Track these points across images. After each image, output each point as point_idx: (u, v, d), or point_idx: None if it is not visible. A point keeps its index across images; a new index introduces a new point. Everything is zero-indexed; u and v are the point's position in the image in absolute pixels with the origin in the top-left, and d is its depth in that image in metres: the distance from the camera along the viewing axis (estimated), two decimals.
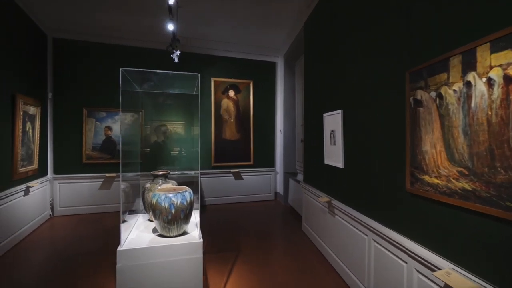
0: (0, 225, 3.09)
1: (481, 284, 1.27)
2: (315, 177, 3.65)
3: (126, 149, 5.01)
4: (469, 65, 1.30)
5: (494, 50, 1.18)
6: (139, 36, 4.95)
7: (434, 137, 1.52)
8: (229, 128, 5.67)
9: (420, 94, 1.62)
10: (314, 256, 3.18)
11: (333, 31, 3.02)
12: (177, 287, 1.68)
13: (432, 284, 1.53)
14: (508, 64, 1.13)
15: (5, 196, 3.19)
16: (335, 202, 2.86)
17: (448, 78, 1.42)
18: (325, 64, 3.25)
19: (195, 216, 2.27)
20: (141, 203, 2.22)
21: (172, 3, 2.88)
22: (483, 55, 1.23)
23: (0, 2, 3.22)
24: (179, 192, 1.81)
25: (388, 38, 2.02)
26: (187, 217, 1.83)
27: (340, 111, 2.73)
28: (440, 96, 1.48)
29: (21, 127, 3.49)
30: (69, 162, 4.73)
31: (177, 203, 1.76)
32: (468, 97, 1.31)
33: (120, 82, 1.67)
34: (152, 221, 2.09)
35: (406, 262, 1.76)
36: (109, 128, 4.91)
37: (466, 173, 1.33)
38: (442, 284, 1.45)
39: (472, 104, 1.29)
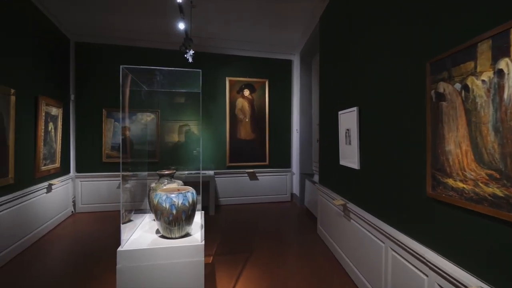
0: (24, 220, 3.24)
1: None
2: (330, 179, 3.48)
3: (141, 148, 5.10)
4: (500, 50, 1.12)
5: None
6: (154, 38, 5.02)
7: (459, 135, 1.34)
8: (244, 127, 5.61)
9: (443, 87, 1.44)
10: (328, 262, 3.02)
11: (349, 23, 2.85)
12: None
13: None
14: None
15: (28, 193, 3.34)
16: (351, 206, 2.68)
17: (475, 67, 1.24)
18: (340, 59, 3.08)
19: (200, 218, 2.21)
20: (147, 202, 2.20)
21: (181, 1, 2.86)
22: None
23: (26, 10, 3.39)
24: (181, 193, 1.75)
25: (406, 27, 1.84)
26: (189, 219, 1.77)
27: (355, 108, 2.55)
28: (466, 88, 1.29)
29: (43, 127, 3.65)
30: (90, 161, 4.90)
31: (178, 204, 1.71)
32: (500, 87, 1.13)
33: (121, 80, 1.64)
34: None
35: (427, 275, 1.57)
36: (127, 128, 5.02)
37: (498, 176, 1.15)
38: None
39: (505, 96, 1.11)
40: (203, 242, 1.70)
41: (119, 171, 5.00)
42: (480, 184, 1.22)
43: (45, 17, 3.91)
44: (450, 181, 1.40)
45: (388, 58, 2.09)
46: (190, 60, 4.35)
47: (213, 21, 4.62)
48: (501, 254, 1.17)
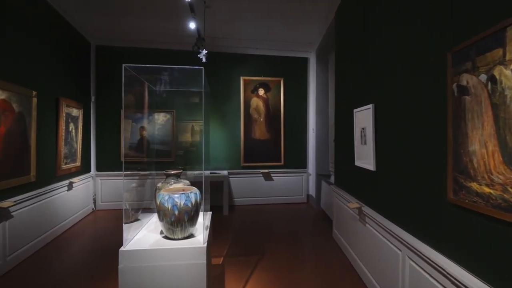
0: (45, 217, 3.39)
1: None
2: (345, 180, 3.32)
3: (158, 148, 5.18)
4: None
5: None
6: (171, 39, 5.07)
7: (484, 134, 1.18)
8: (258, 127, 5.54)
9: (466, 79, 1.28)
10: (343, 267, 2.87)
11: (365, 14, 2.69)
12: None
13: None
14: None
15: (49, 190, 3.49)
16: (366, 209, 2.53)
17: (503, 54, 1.08)
18: (356, 53, 2.92)
19: (207, 219, 2.17)
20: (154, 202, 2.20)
21: (191, 0, 2.84)
22: None
23: (49, 15, 3.55)
24: (183, 193, 1.71)
25: (425, 14, 1.67)
26: (192, 220, 1.73)
27: (371, 105, 2.40)
28: (492, 79, 1.13)
29: (64, 127, 3.81)
30: (109, 160, 5.06)
31: (180, 205, 1.67)
32: None
33: (123, 80, 1.64)
34: None
35: None
36: (143, 128, 5.14)
37: None
38: None
39: None
40: (206, 245, 1.65)
41: (136, 170, 5.13)
42: (510, 190, 1.07)
43: (66, 22, 4.08)
44: (475, 185, 1.24)
45: (405, 50, 1.92)
46: (204, 60, 4.35)
47: (227, 21, 4.59)
48: None
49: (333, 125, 4.86)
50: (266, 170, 5.52)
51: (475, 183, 1.24)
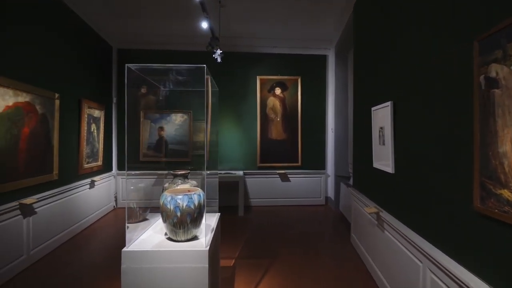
0: (68, 213, 3.55)
1: None
2: (363, 183, 3.13)
3: (176, 148, 5.26)
4: None
5: None
6: (188, 40, 5.11)
7: None
8: (275, 127, 5.44)
9: (495, 70, 1.11)
10: (359, 275, 2.70)
11: (384, 5, 2.50)
12: None
13: None
14: None
15: (72, 188, 3.66)
16: (384, 215, 2.35)
17: None
18: (374, 46, 2.74)
19: (214, 220, 2.12)
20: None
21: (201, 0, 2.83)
22: None
23: (72, 22, 3.73)
24: (186, 194, 1.68)
25: (448, 0, 1.50)
26: (195, 221, 1.68)
27: (389, 103, 2.22)
28: None
29: (86, 128, 3.98)
30: (129, 160, 5.22)
31: (183, 206, 1.63)
32: None
33: (126, 80, 1.63)
34: None
35: None
36: (161, 128, 5.25)
37: None
38: None
39: None
40: (208, 248, 1.59)
41: (154, 170, 5.25)
42: None
43: (89, 28, 4.26)
44: (506, 193, 1.07)
45: (426, 41, 1.75)
46: (219, 60, 4.34)
47: (242, 20, 4.55)
48: None
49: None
50: (283, 171, 5.41)
51: (506, 190, 1.07)
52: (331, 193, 5.42)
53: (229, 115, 5.41)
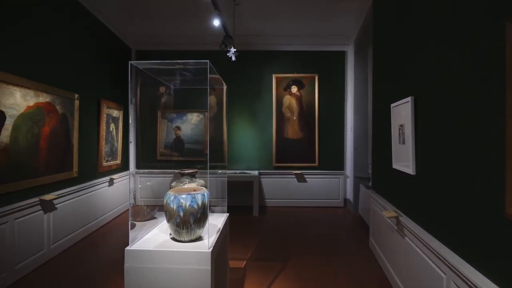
0: (87, 210, 3.68)
1: None
2: (382, 184, 2.94)
3: (192, 147, 5.30)
4: None
5: None
6: (205, 40, 5.12)
7: None
8: (291, 126, 5.32)
9: None
10: (377, 282, 2.54)
11: None
12: None
13: None
14: None
15: (91, 186, 3.78)
16: (404, 220, 2.17)
17: None
18: (393, 37, 2.55)
19: (221, 221, 2.07)
20: None
21: None
22: None
23: (92, 24, 3.86)
24: (189, 194, 1.63)
25: None
26: (198, 222, 1.64)
27: (409, 98, 2.05)
28: None
29: (105, 127, 4.10)
30: (147, 159, 5.35)
31: (185, 206, 1.59)
32: None
33: (129, 77, 1.62)
34: None
35: None
36: (178, 128, 5.31)
37: None
38: None
39: None
40: (211, 250, 1.54)
41: (171, 169, 5.32)
42: None
43: (109, 30, 4.40)
44: None
45: (450, 27, 1.57)
46: (233, 58, 4.31)
47: (257, 17, 4.48)
48: None
49: None
50: (299, 171, 5.27)
51: None
52: (350, 195, 5.20)
53: (244, 114, 5.37)
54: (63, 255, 3.08)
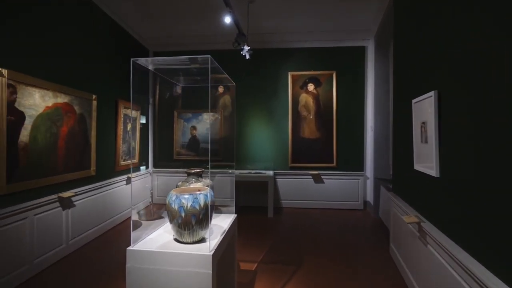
0: (104, 207, 3.78)
1: None
2: (403, 187, 2.74)
3: (207, 146, 5.30)
4: None
5: None
6: (220, 39, 5.10)
7: None
8: (308, 125, 5.16)
9: None
10: None
11: None
12: None
13: None
14: None
15: (108, 184, 3.89)
16: (427, 226, 1.98)
17: None
18: (417, 27, 2.35)
19: (228, 222, 2.00)
20: None
21: None
22: None
23: (111, 27, 3.98)
24: (191, 194, 1.58)
25: None
26: (201, 223, 1.58)
27: (432, 93, 1.86)
28: None
29: (122, 127, 4.20)
30: (164, 158, 5.43)
31: (187, 206, 1.54)
32: None
33: (131, 75, 1.60)
34: None
35: None
36: (194, 127, 5.34)
37: None
38: None
39: None
40: (212, 253, 1.47)
41: (187, 168, 5.36)
42: None
43: (126, 32, 4.51)
44: None
45: (483, 11, 1.39)
46: (247, 57, 4.24)
47: (272, 14, 4.39)
48: None
49: None
50: (316, 172, 5.10)
51: None
52: (370, 197, 4.95)
53: (259, 113, 5.29)
54: (80, 251, 3.17)
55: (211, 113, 5.33)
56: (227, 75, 2.00)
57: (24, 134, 2.49)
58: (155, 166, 5.46)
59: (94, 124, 3.50)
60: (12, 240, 2.39)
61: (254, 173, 4.93)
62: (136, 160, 4.75)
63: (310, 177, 5.15)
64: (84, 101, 3.31)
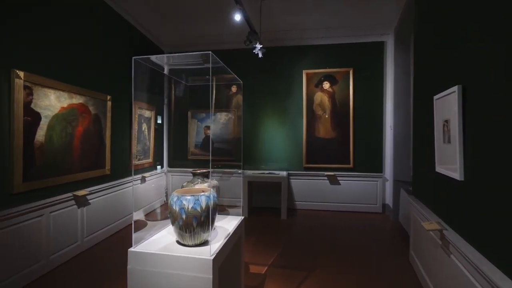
0: (119, 206, 3.85)
1: None
2: (424, 190, 2.54)
3: (221, 146, 5.29)
4: None
5: None
6: (235, 39, 5.07)
7: None
8: (323, 125, 5.00)
9: None
10: None
11: None
12: None
13: None
14: None
15: (123, 183, 3.96)
16: (450, 234, 1.81)
17: None
18: (441, 17, 2.17)
19: (234, 225, 1.94)
20: None
21: None
22: None
23: (128, 30, 4.06)
24: (193, 195, 1.53)
25: None
26: (202, 225, 1.53)
27: (456, 88, 1.69)
28: None
29: (136, 127, 4.28)
30: (178, 158, 5.48)
31: (188, 208, 1.49)
32: None
33: (133, 74, 1.58)
34: None
35: None
36: (208, 127, 5.35)
37: None
38: None
39: None
40: (213, 257, 1.41)
41: (202, 168, 5.38)
42: None
43: (141, 34, 4.58)
44: None
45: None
46: (260, 55, 4.17)
47: (285, 11, 4.30)
48: None
49: None
50: (332, 173, 4.93)
51: None
52: (389, 200, 4.71)
53: (272, 112, 5.20)
54: (95, 249, 3.24)
55: (225, 113, 5.31)
56: (232, 73, 1.93)
57: (40, 134, 2.57)
58: (169, 165, 5.52)
59: (109, 124, 3.57)
60: (28, 237, 2.47)
61: (267, 173, 4.85)
62: (150, 160, 4.82)
63: (326, 178, 4.99)
64: (99, 102, 3.39)
